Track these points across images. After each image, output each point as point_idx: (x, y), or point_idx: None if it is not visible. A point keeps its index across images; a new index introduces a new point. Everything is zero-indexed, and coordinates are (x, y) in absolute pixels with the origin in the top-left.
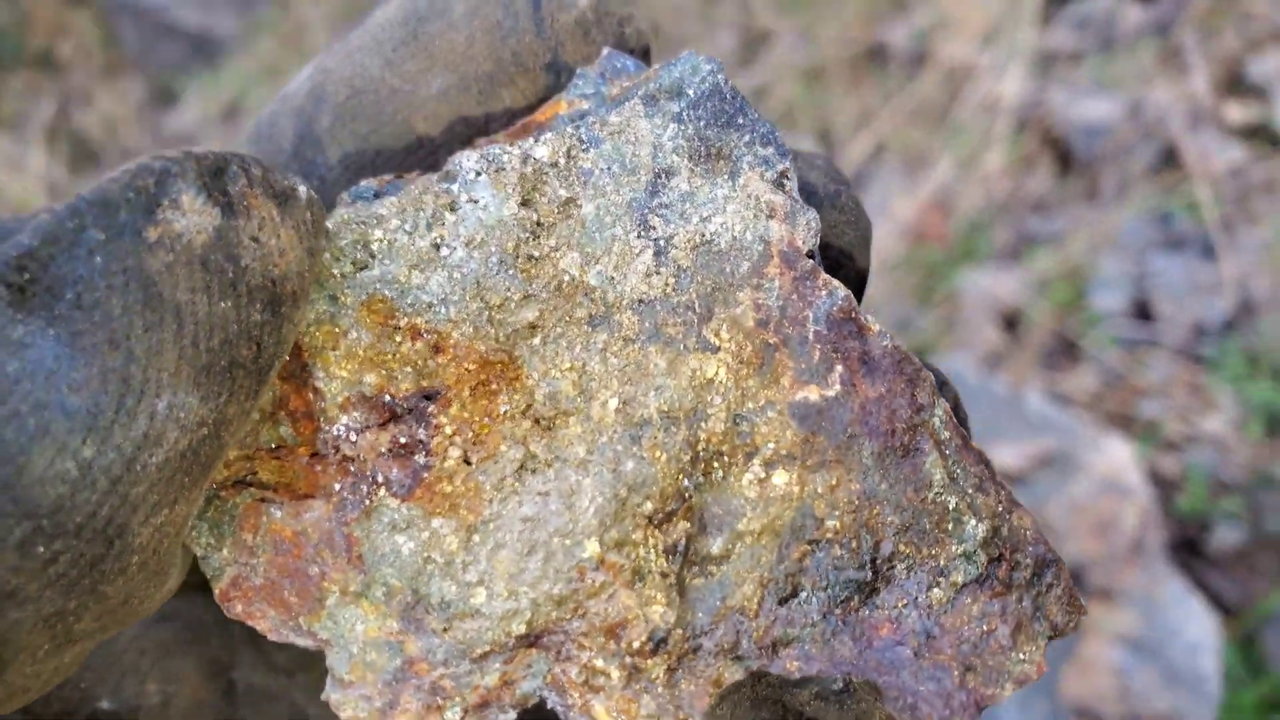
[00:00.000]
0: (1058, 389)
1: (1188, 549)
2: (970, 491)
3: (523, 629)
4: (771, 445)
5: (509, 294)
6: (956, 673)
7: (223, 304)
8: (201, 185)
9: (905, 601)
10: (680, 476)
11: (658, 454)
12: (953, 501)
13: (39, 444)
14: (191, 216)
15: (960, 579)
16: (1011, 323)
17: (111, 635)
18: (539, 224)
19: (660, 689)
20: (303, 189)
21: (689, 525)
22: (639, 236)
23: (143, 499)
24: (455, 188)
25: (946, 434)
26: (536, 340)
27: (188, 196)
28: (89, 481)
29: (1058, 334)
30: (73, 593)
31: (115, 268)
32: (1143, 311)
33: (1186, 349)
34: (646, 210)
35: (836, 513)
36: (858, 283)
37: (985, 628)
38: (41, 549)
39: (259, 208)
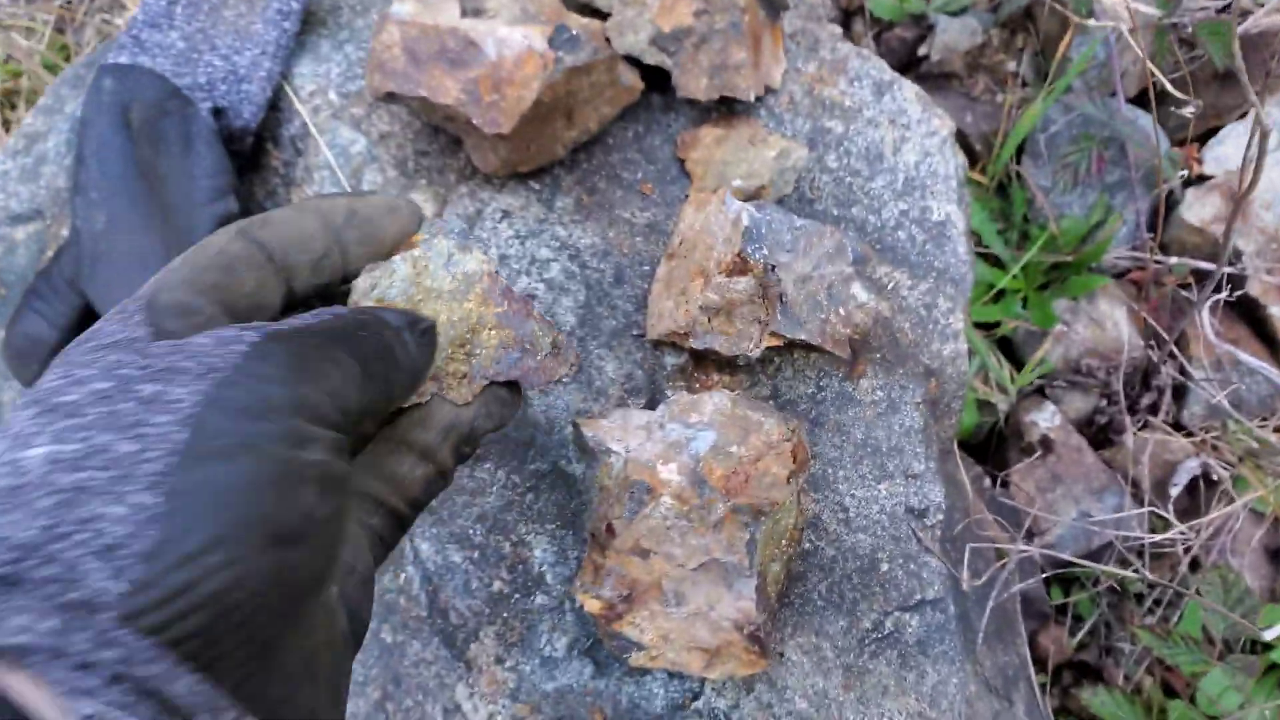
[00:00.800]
0: None
1: (907, 64)
2: (541, 320)
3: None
4: (485, 332)
5: (412, 292)
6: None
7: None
8: None
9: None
10: (460, 349)
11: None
12: (534, 325)
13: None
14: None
15: (540, 351)
16: None
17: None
18: (417, 271)
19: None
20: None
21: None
22: (447, 269)
23: None
24: (393, 266)
25: (539, 310)
26: (425, 307)
27: None
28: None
29: None
30: None
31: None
32: None
33: None
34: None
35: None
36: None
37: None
38: None
39: None
